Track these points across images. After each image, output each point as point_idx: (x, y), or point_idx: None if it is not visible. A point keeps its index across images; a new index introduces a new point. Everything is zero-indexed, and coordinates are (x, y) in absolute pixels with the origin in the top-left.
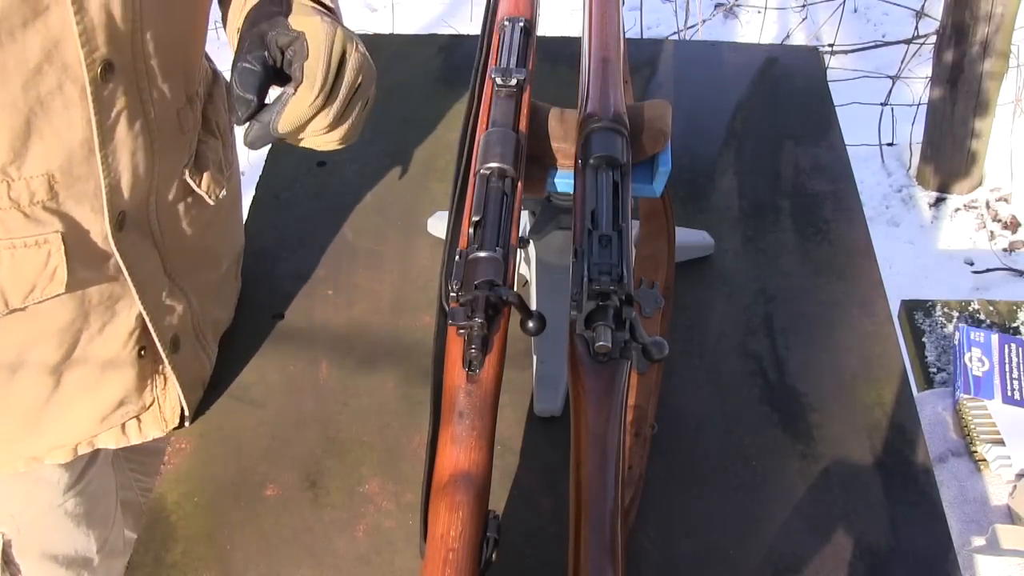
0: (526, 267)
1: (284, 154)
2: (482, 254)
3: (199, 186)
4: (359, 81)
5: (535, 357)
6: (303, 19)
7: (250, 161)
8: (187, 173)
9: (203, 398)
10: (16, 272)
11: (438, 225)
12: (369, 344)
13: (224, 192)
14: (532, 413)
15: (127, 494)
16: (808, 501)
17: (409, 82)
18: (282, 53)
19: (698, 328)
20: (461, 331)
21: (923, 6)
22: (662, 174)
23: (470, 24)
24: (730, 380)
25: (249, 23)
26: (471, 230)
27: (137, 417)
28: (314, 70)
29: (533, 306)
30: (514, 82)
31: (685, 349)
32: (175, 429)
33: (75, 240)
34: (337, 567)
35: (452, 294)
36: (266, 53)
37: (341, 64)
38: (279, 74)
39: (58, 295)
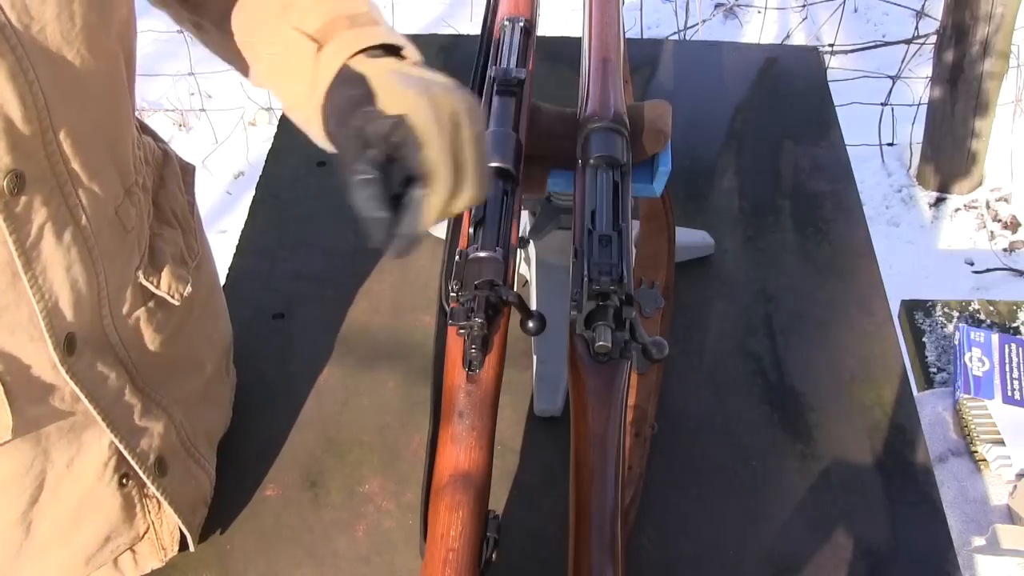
0: (526, 267)
1: (284, 154)
2: (482, 254)
3: (158, 287)
4: (476, 131)
5: (535, 357)
6: (395, 97)
7: (250, 161)
8: (141, 276)
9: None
10: None
11: (438, 225)
12: (369, 344)
13: (189, 288)
14: (532, 413)
15: None
16: (808, 501)
17: None
18: (385, 142)
19: (698, 328)
20: (461, 331)
21: (923, 6)
22: (662, 174)
23: (470, 24)
24: (730, 380)
25: (337, 119)
26: (471, 230)
27: (131, 549)
28: (437, 161)
29: (533, 306)
30: (514, 82)
31: (685, 349)
32: (178, 554)
33: (16, 377)
34: (337, 567)
35: (452, 294)
36: (373, 151)
37: (457, 126)
38: (393, 167)
39: (5, 442)
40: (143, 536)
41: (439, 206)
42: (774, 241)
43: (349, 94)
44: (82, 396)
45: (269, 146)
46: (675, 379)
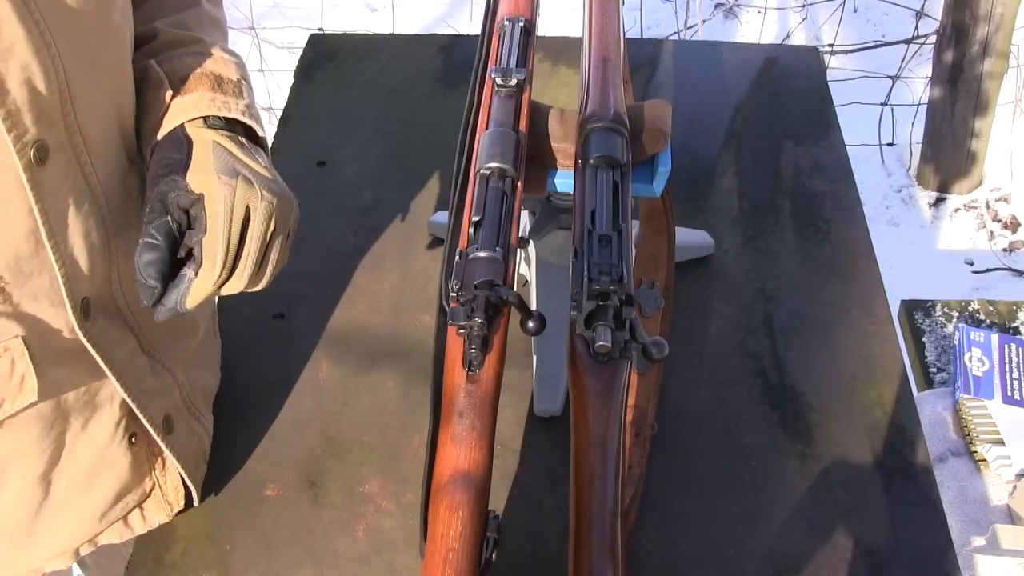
0: (526, 267)
1: (284, 154)
2: (482, 254)
3: None
4: (271, 230)
5: (535, 357)
6: (201, 176)
7: None
8: None
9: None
10: None
11: (438, 225)
12: (369, 344)
13: None
14: (532, 413)
15: (116, 567)
16: (808, 501)
17: (409, 82)
18: (186, 213)
19: (698, 328)
20: (461, 331)
21: (923, 6)
22: (662, 174)
23: (470, 24)
24: (730, 380)
25: (152, 174)
26: (471, 230)
27: (139, 506)
28: (213, 248)
29: (533, 306)
30: (514, 82)
31: (685, 349)
32: (182, 511)
33: (39, 340)
34: (337, 567)
35: (452, 294)
36: (169, 219)
37: (246, 222)
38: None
39: (32, 404)
40: (150, 493)
41: (202, 291)
42: (774, 241)
43: (169, 157)
44: (98, 358)
45: (269, 146)
46: (675, 379)
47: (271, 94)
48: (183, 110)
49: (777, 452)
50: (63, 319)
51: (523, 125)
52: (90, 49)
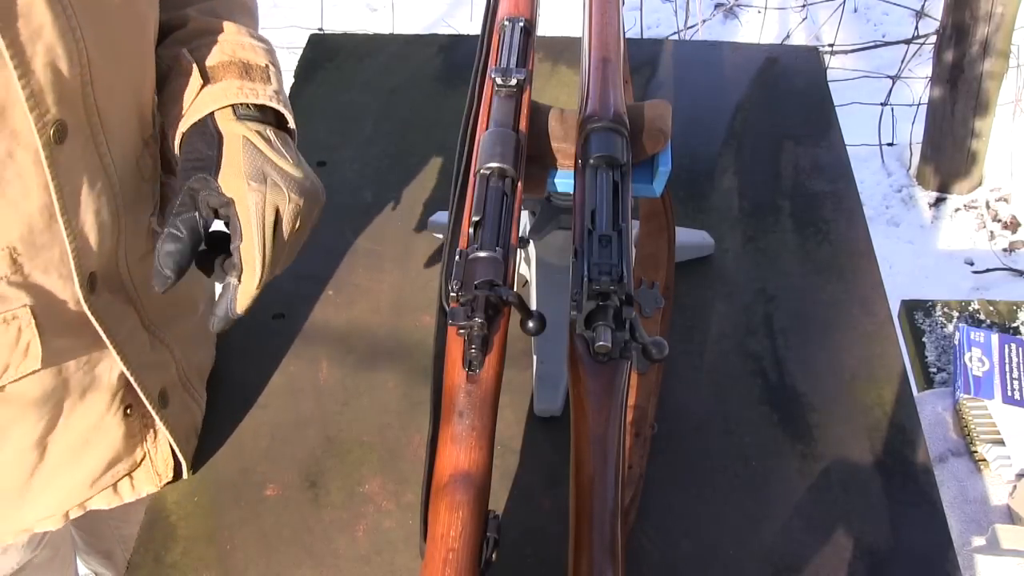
0: (526, 267)
1: None
2: (482, 254)
3: None
4: (297, 227)
5: (535, 357)
6: (232, 180)
7: None
8: (154, 221)
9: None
10: None
11: (438, 225)
12: (369, 344)
13: None
14: (532, 413)
15: (105, 544)
16: (808, 501)
17: (409, 82)
18: (215, 211)
19: (698, 328)
20: (461, 331)
21: (923, 6)
22: (662, 174)
23: (470, 24)
24: (730, 380)
25: (184, 167)
26: (471, 230)
27: (129, 475)
28: (251, 255)
29: (533, 306)
30: (514, 82)
31: (685, 349)
32: (171, 482)
33: (46, 311)
34: (337, 567)
35: (452, 294)
36: (196, 214)
37: (276, 223)
38: (208, 235)
39: (35, 371)
40: (140, 463)
41: (248, 294)
42: (774, 241)
43: (200, 152)
44: (100, 331)
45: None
46: (675, 379)
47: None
48: (212, 99)
49: (777, 452)
50: (70, 291)
51: (523, 125)
52: (114, 35)
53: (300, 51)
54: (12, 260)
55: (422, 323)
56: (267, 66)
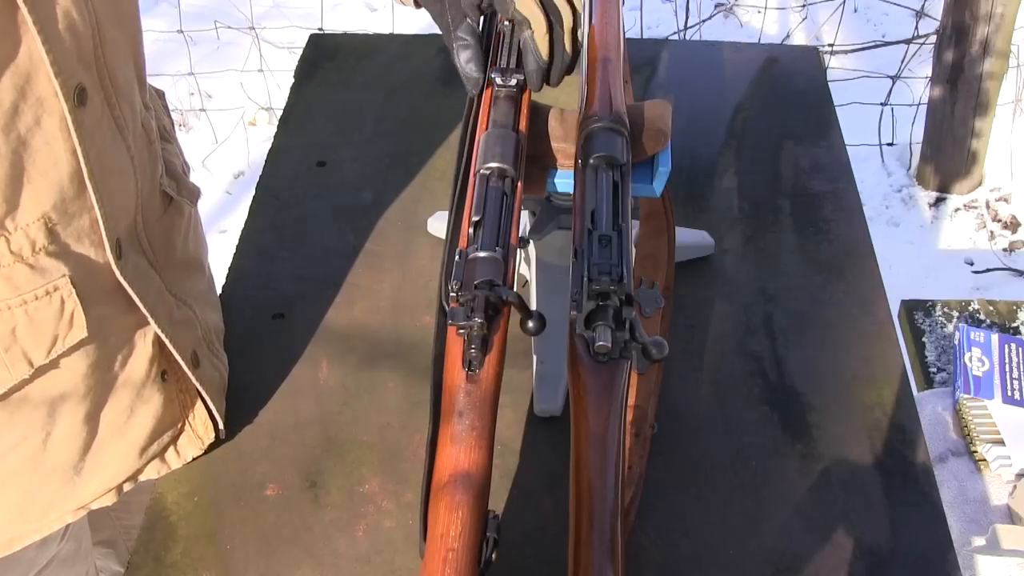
0: (526, 267)
1: (284, 154)
2: (482, 254)
3: (179, 193)
4: None
5: (535, 357)
6: None
7: (250, 161)
8: (165, 183)
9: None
10: (34, 328)
11: (438, 225)
12: (369, 344)
13: (200, 192)
14: (532, 413)
15: (107, 534)
16: (808, 501)
17: (409, 82)
18: (479, 9)
19: (698, 328)
20: (461, 331)
21: (923, 6)
22: (662, 174)
23: None
24: (730, 380)
25: None
26: (471, 230)
27: (174, 441)
28: (525, 5)
29: (533, 306)
30: (514, 82)
31: (685, 349)
32: (211, 445)
33: (83, 279)
34: (337, 567)
35: (452, 294)
36: (468, 20)
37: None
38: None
39: (81, 340)
40: (182, 429)
41: (545, 38)
42: (774, 241)
43: None
44: (133, 295)
45: (269, 146)
46: (675, 379)
47: (271, 94)
48: None
49: (777, 452)
50: (103, 258)
51: (523, 125)
52: None
53: (300, 51)
54: (48, 230)
55: (422, 323)
56: None
